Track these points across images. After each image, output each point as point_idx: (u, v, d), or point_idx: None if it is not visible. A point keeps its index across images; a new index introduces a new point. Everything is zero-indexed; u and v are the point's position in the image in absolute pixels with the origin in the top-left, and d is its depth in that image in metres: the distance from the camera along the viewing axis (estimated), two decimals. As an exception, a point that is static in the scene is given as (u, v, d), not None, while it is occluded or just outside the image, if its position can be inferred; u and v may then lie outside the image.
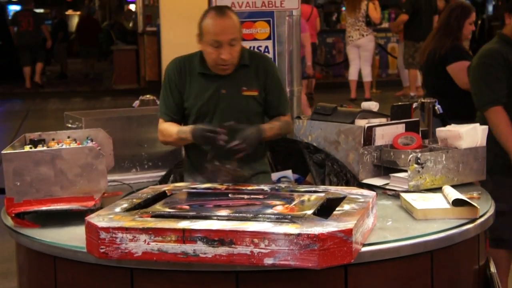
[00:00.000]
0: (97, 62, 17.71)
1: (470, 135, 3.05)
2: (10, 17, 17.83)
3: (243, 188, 2.56)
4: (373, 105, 3.44)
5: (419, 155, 2.89)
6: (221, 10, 2.85)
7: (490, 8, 17.06)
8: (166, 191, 2.54)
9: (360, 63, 11.12)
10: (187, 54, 3.01)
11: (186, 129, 2.88)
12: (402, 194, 2.71)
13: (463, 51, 4.59)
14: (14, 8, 22.42)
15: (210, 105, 2.92)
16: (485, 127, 3.14)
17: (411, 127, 3.24)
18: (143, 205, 2.35)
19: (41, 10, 24.40)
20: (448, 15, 4.65)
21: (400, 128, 3.21)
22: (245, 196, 2.45)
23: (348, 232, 1.98)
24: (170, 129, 2.94)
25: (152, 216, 2.17)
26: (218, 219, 2.12)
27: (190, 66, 2.96)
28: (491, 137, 3.35)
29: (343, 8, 14.57)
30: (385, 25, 12.83)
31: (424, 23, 10.69)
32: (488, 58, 3.56)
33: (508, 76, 3.52)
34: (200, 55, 2.94)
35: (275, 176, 3.18)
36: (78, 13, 22.47)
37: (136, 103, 4.43)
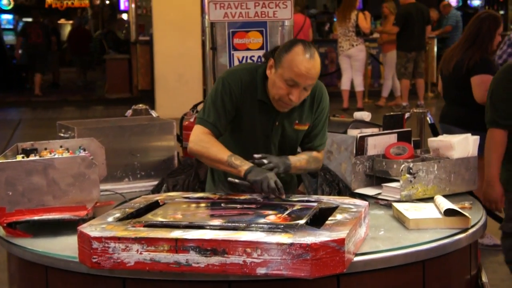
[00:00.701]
0: (89, 71, 17.71)
1: (462, 145, 3.07)
2: (19, 28, 17.82)
3: (236, 197, 2.56)
4: (365, 115, 3.46)
5: (411, 165, 2.90)
6: (311, 50, 2.56)
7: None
8: (159, 201, 2.54)
9: (352, 73, 11.16)
10: (247, 68, 2.72)
11: (242, 164, 2.56)
12: (394, 204, 2.72)
13: (492, 65, 4.43)
14: (6, 17, 22.44)
15: (261, 135, 2.73)
16: (477, 137, 3.16)
17: (403, 137, 3.26)
18: (136, 215, 2.35)
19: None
20: (478, 26, 4.47)
21: (392, 138, 3.23)
22: (238, 206, 2.45)
23: (341, 242, 1.99)
24: (216, 148, 2.63)
25: (144, 226, 2.17)
26: (210, 229, 2.12)
27: (251, 87, 2.69)
28: (507, 156, 3.29)
29: (335, 19, 14.65)
30: (377, 35, 12.88)
31: (416, 34, 10.75)
32: (504, 74, 3.31)
33: None
34: (262, 80, 2.69)
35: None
36: (71, 22, 22.46)
37: (129, 112, 4.44)
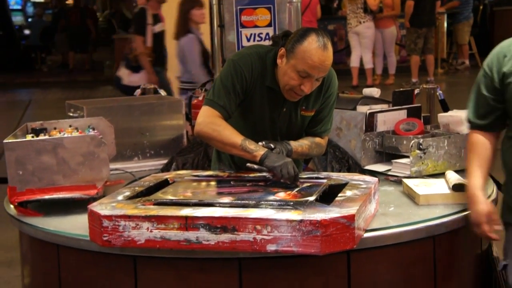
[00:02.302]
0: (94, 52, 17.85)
1: (472, 120, 3.05)
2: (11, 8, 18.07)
3: (245, 175, 2.56)
4: (375, 91, 3.44)
5: (421, 140, 2.89)
6: (324, 40, 2.49)
7: (491, -7, 16.98)
8: (168, 179, 2.54)
9: (361, 50, 11.11)
10: (257, 52, 2.64)
11: (257, 149, 2.50)
12: (404, 180, 2.71)
13: None
14: (14, -2, 22.41)
15: (268, 120, 2.68)
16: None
17: (413, 113, 3.24)
18: (146, 193, 2.35)
19: (41, 0, 24.34)
20: None
21: (401, 114, 3.21)
22: (247, 183, 2.45)
23: (351, 218, 1.98)
24: (228, 132, 2.54)
25: (154, 204, 2.17)
26: (220, 206, 2.12)
27: (262, 73, 2.63)
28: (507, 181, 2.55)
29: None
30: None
31: (427, 10, 10.70)
32: (484, 64, 2.54)
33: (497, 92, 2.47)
34: (272, 66, 2.63)
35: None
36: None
37: (138, 91, 4.43)
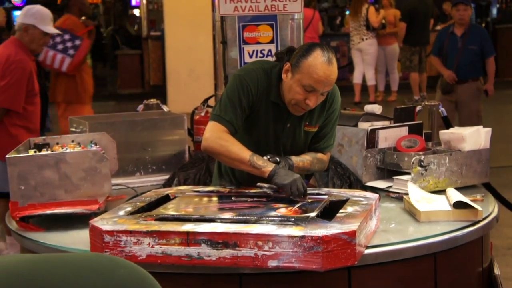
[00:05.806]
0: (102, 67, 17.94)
1: (473, 137, 3.06)
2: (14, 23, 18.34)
3: (246, 191, 2.56)
4: (376, 108, 3.45)
5: (422, 157, 2.89)
6: (329, 55, 2.51)
7: (494, 11, 17.00)
8: (169, 194, 2.54)
9: (364, 66, 11.15)
10: (263, 68, 2.65)
11: (265, 165, 2.50)
12: (406, 197, 2.71)
13: None
14: (19, 13, 22.55)
15: (273, 136, 2.68)
16: (489, 130, 3.14)
17: (414, 130, 3.25)
18: (147, 209, 2.35)
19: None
20: None
21: (403, 130, 3.22)
22: (248, 199, 2.46)
23: (352, 234, 1.98)
24: (237, 147, 2.54)
25: (156, 219, 2.18)
26: (222, 222, 2.12)
27: (267, 88, 2.63)
28: None
29: (347, 12, 14.61)
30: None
31: (419, 29, 10.79)
32: None
33: None
34: (276, 82, 2.64)
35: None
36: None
37: (140, 107, 4.45)
